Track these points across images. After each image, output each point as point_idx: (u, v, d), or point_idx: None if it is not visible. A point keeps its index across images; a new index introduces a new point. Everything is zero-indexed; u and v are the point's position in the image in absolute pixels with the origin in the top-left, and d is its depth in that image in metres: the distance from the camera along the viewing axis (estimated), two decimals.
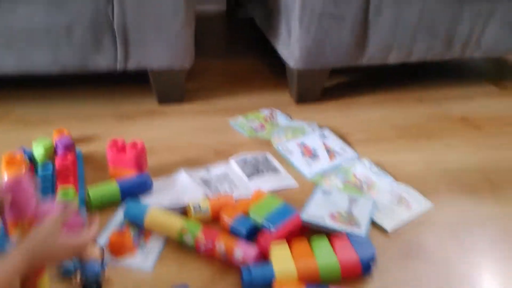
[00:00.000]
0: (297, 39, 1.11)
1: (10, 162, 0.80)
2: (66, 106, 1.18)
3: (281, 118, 1.16)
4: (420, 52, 1.19)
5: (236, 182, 0.92)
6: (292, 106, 1.23)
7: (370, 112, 1.22)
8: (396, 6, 1.11)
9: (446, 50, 1.20)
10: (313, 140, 1.06)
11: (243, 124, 1.13)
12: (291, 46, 1.14)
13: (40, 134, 1.04)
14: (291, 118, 1.17)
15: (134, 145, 0.89)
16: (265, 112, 1.19)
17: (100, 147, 0.98)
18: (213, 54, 1.57)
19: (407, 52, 1.18)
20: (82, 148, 1.01)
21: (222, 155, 1.02)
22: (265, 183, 0.91)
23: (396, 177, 0.96)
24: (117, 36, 1.05)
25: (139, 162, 0.88)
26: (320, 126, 1.12)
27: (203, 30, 1.79)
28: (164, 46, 1.09)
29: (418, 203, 0.89)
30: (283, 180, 0.94)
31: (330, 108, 1.23)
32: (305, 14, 1.08)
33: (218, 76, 1.40)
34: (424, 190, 0.93)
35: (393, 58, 1.19)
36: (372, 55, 1.16)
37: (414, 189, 0.92)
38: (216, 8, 2.02)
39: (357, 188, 0.92)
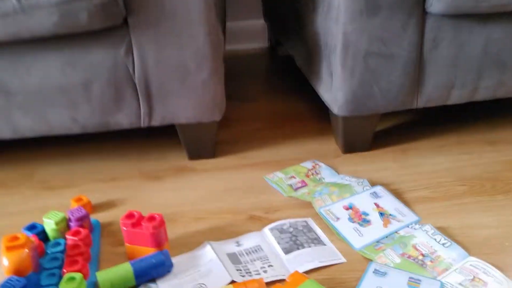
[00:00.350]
0: (340, 82, 0.97)
1: (11, 247, 0.70)
2: (90, 165, 1.10)
3: (325, 173, 1.01)
4: (487, 89, 1.01)
5: (270, 260, 0.77)
6: (339, 157, 1.08)
7: (430, 161, 1.05)
8: (456, 39, 0.94)
9: None
10: (363, 200, 0.90)
11: (281, 181, 0.99)
12: (333, 90, 1.00)
13: (61, 200, 0.97)
14: (337, 171, 1.02)
15: (151, 218, 0.77)
16: (307, 166, 1.04)
17: (122, 214, 0.88)
18: (249, 96, 1.45)
19: (471, 90, 1.01)
20: (103, 216, 0.92)
21: (256, 221, 0.88)
22: (306, 262, 0.76)
23: (468, 248, 0.79)
24: (138, 90, 0.96)
25: (157, 238, 0.76)
26: (372, 182, 0.96)
27: (242, 70, 1.69)
28: (190, 98, 0.98)
29: (499, 285, 0.71)
30: (327, 254, 0.78)
31: (383, 157, 1.07)
32: (348, 54, 0.94)
33: (255, 122, 1.28)
34: (504, 264, 0.75)
35: (455, 98, 1.01)
36: (430, 96, 1.00)
37: (492, 265, 0.74)
38: (257, 46, 1.92)
39: (418, 264, 0.75)
